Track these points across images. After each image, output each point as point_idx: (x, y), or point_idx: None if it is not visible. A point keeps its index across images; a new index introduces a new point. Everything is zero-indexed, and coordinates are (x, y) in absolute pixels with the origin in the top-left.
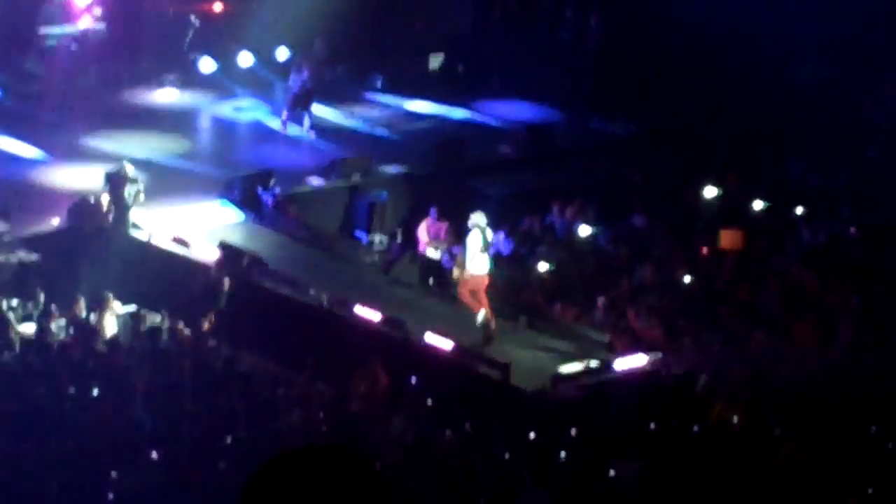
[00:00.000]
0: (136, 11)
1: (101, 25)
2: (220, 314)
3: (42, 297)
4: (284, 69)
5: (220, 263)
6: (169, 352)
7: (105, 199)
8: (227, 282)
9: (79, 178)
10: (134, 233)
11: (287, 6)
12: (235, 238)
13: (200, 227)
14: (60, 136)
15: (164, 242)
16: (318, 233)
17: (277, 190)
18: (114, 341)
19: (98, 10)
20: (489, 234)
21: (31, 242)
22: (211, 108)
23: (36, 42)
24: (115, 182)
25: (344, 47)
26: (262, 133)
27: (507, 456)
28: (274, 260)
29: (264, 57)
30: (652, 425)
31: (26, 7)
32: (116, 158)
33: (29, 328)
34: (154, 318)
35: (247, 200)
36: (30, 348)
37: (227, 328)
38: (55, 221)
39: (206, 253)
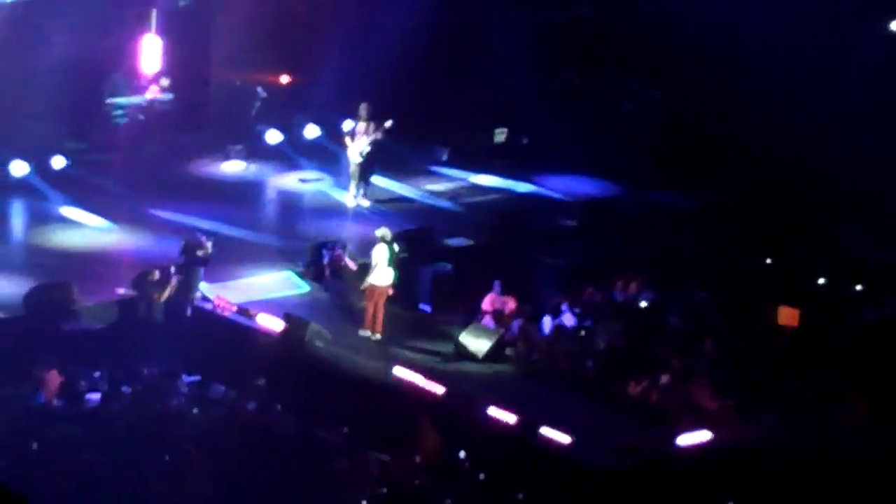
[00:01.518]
0: (203, 82)
1: (168, 96)
2: (284, 385)
3: (106, 367)
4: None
5: (285, 334)
6: (233, 423)
7: (171, 269)
8: (291, 353)
9: (144, 247)
10: (200, 303)
11: (351, 79)
12: (300, 309)
13: (265, 298)
14: (127, 206)
15: (230, 313)
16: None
17: (338, 252)
18: (178, 412)
19: (165, 81)
20: (395, 248)
21: (96, 311)
22: (276, 180)
23: (104, 112)
24: (189, 251)
25: (409, 121)
26: (327, 204)
27: None
28: (338, 330)
29: (330, 128)
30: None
31: (95, 77)
32: (182, 229)
33: (94, 398)
34: (218, 389)
35: (311, 270)
36: (94, 418)
37: (292, 399)
38: (121, 290)
39: (271, 324)
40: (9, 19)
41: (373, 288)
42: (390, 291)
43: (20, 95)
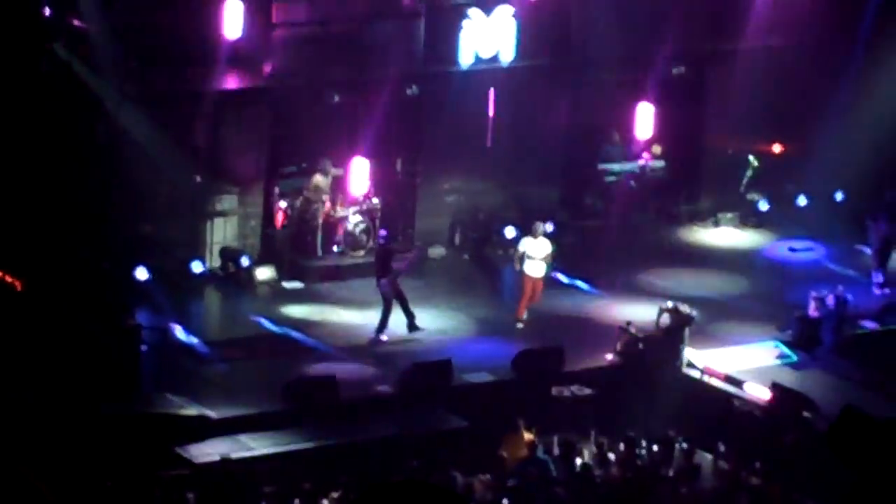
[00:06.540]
0: (696, 150)
1: (660, 163)
2: (774, 457)
3: (594, 433)
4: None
5: (773, 404)
6: (729, 492)
7: (658, 336)
8: (780, 424)
9: (633, 314)
10: (687, 370)
11: (848, 151)
12: (788, 379)
13: (753, 367)
14: (617, 272)
15: (717, 381)
16: (875, 378)
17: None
18: (670, 480)
19: (658, 148)
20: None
21: (585, 377)
22: (767, 249)
23: (596, 179)
24: (675, 319)
25: None
26: (818, 275)
27: None
28: (828, 404)
29: (822, 199)
30: None
31: (590, 143)
32: (672, 296)
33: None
34: (704, 457)
35: (801, 341)
36: (583, 482)
37: (783, 472)
38: (609, 356)
39: (759, 393)
40: (509, 82)
41: (528, 278)
42: (540, 285)
43: (520, 158)
